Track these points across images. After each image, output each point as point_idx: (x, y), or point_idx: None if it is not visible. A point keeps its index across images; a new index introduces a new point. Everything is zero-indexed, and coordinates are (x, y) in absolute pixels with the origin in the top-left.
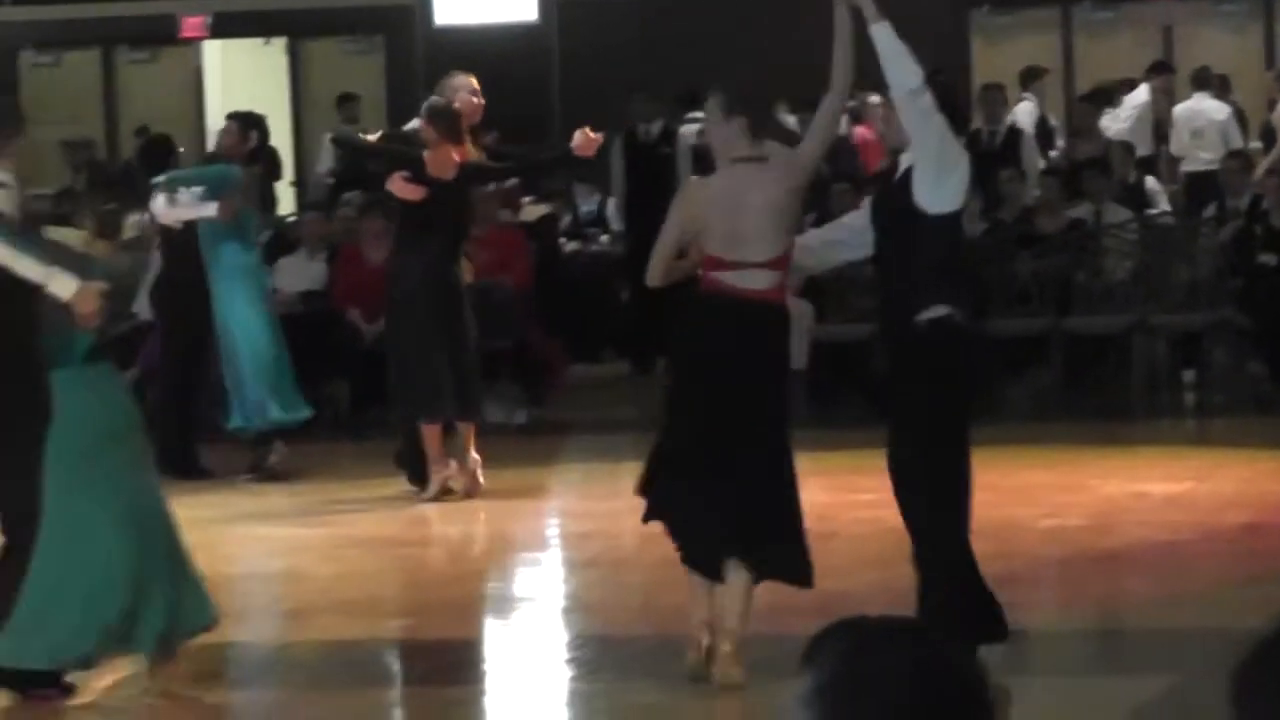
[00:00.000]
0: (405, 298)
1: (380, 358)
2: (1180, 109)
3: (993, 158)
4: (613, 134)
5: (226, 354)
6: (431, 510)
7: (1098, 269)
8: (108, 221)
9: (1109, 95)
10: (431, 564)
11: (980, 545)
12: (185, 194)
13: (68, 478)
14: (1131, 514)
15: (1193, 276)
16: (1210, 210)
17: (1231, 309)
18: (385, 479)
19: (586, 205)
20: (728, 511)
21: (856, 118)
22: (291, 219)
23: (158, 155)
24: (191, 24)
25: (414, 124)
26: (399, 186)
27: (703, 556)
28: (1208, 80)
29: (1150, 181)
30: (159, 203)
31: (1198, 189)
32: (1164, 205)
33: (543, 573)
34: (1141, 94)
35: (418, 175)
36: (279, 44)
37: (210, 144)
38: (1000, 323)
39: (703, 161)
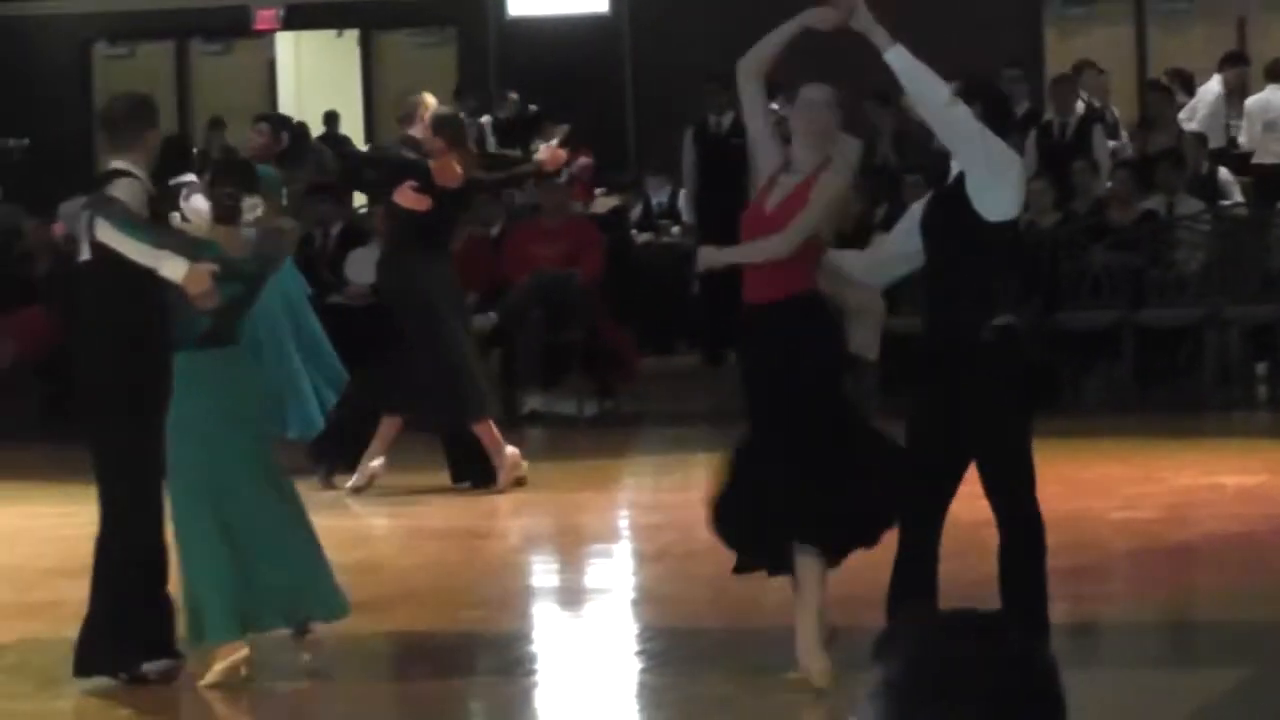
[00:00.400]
0: (428, 303)
1: None
2: (1253, 101)
3: (1064, 149)
4: (685, 125)
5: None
6: (504, 502)
7: (1170, 261)
8: (226, 206)
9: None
10: (503, 556)
11: (1053, 537)
12: None
13: (185, 461)
14: (1204, 507)
15: (1265, 268)
16: None
17: None
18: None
19: (658, 196)
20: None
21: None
22: (363, 211)
23: (174, 157)
24: (265, 16)
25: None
26: (408, 198)
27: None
28: None
29: (1223, 173)
30: (196, 203)
31: (1271, 182)
32: (1237, 197)
33: (613, 565)
34: (1214, 85)
35: (425, 185)
36: (351, 36)
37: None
38: (1072, 315)
39: None
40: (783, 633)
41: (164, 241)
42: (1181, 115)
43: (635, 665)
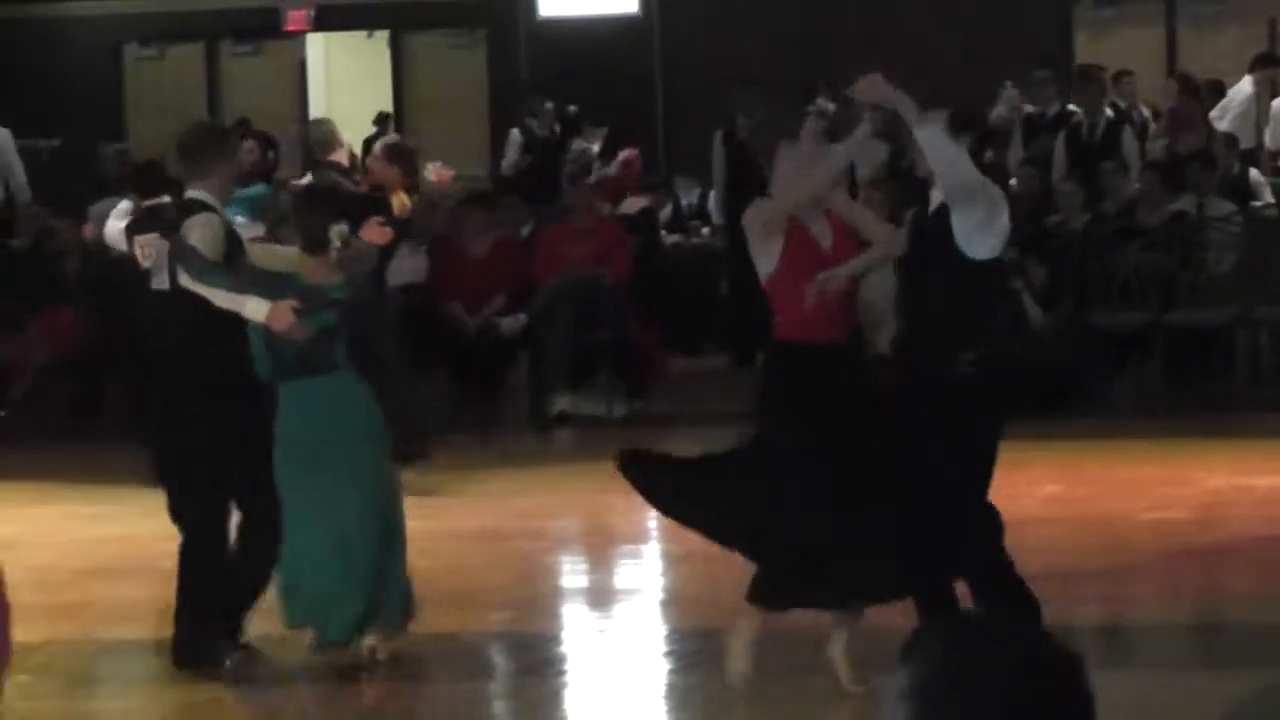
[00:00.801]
0: (379, 328)
1: (483, 351)
2: (1278, 103)
3: (1093, 150)
4: (714, 126)
5: None
6: (534, 503)
7: (1201, 262)
8: (315, 238)
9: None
10: (532, 557)
11: (1084, 538)
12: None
13: (290, 485)
14: (1236, 508)
15: None
16: None
17: None
18: (488, 471)
19: (687, 198)
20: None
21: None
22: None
23: (150, 181)
24: (295, 17)
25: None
26: (378, 234)
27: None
28: None
29: (1254, 174)
30: (111, 228)
31: None
32: (1268, 198)
33: (642, 566)
34: (1245, 86)
35: (389, 219)
36: (382, 37)
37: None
38: (1103, 317)
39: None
40: (809, 633)
41: (244, 283)
42: (1213, 114)
43: (663, 666)
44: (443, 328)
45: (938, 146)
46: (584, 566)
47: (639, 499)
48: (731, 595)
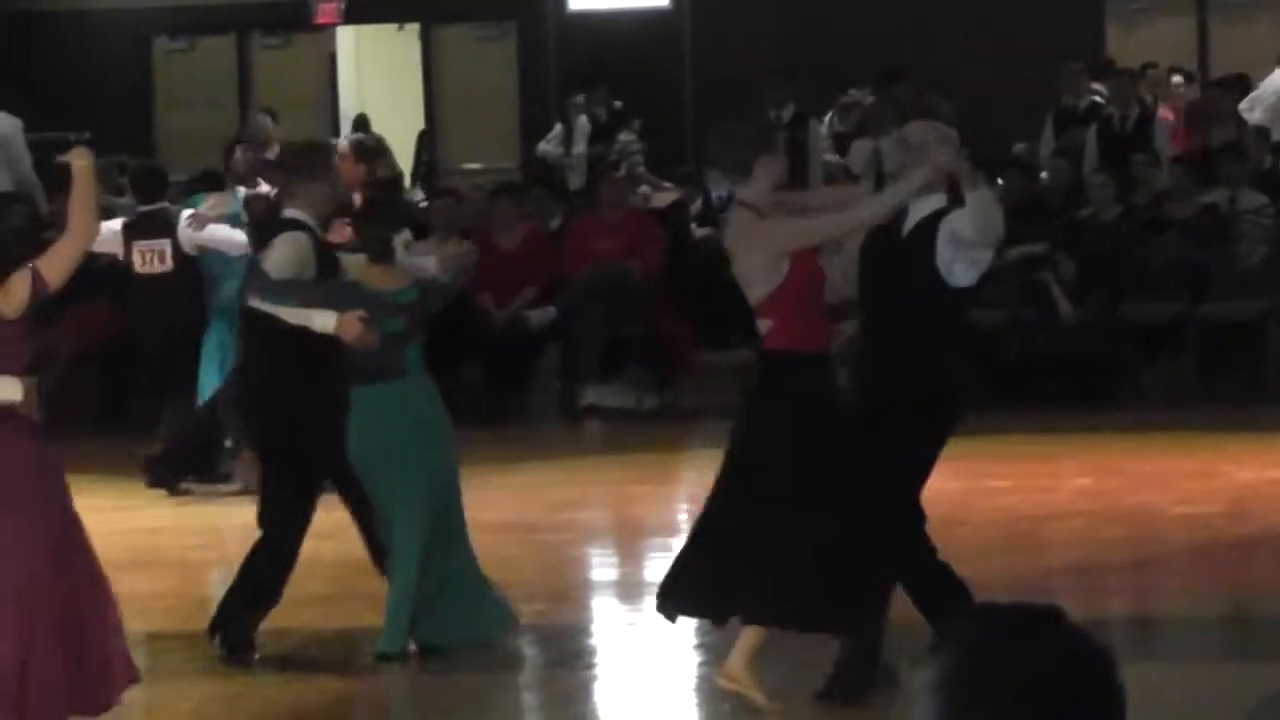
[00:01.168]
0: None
1: (513, 343)
2: None
3: (1125, 142)
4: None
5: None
6: (563, 495)
7: (1233, 255)
8: (379, 248)
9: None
10: (562, 549)
11: (1113, 532)
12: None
13: (372, 488)
14: (1266, 500)
15: None
16: None
17: None
18: (519, 464)
19: (718, 190)
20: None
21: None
22: (423, 205)
23: (150, 184)
24: (325, 10)
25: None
26: (345, 233)
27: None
28: None
29: None
30: (184, 227)
31: None
32: None
33: (670, 558)
34: (1277, 79)
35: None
36: (412, 30)
37: (343, 131)
38: (1134, 309)
39: (842, 144)
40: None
41: (311, 297)
42: (1241, 106)
43: (694, 659)
44: (472, 320)
45: (988, 206)
46: (613, 558)
47: (667, 490)
48: None
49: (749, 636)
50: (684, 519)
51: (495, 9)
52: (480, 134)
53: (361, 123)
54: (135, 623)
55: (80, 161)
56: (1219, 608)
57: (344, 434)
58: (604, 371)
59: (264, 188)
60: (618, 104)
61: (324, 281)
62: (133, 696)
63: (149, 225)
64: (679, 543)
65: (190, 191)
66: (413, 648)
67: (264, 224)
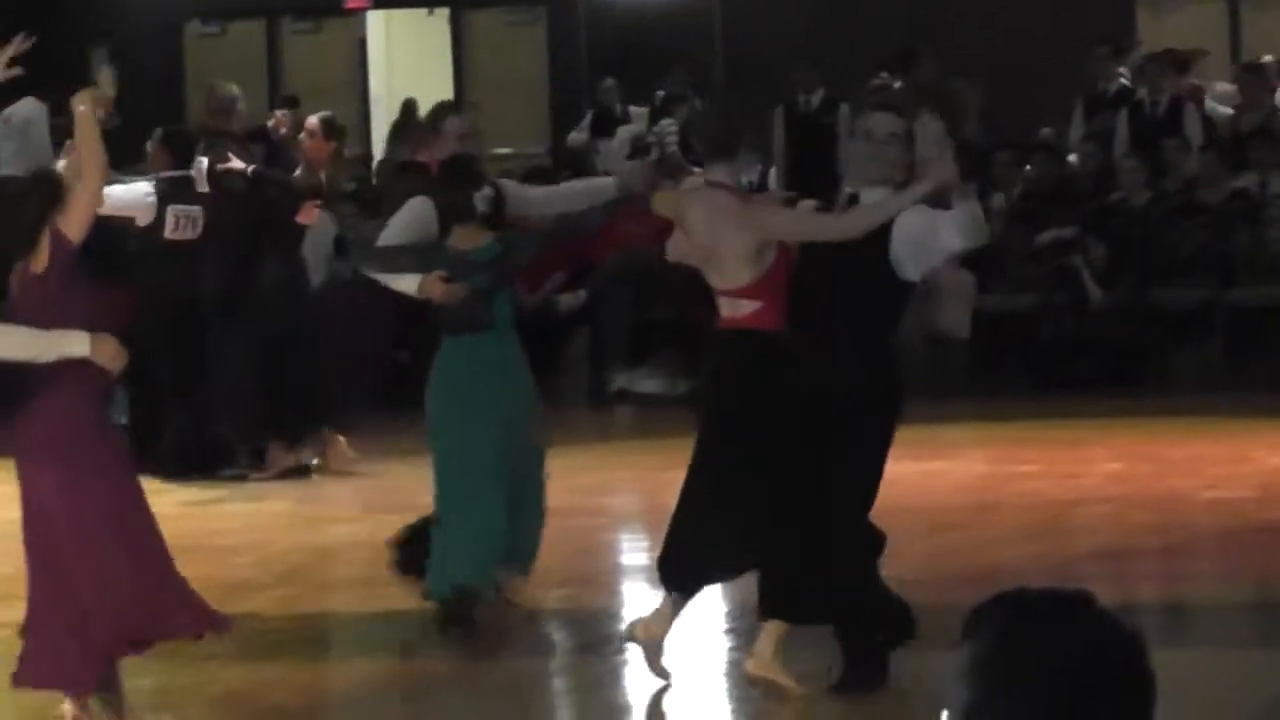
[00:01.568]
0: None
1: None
2: None
3: (1156, 127)
4: (775, 103)
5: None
6: (592, 481)
7: (1262, 240)
8: (461, 209)
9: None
10: (593, 534)
11: (1142, 517)
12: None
13: (439, 435)
14: None
15: None
16: None
17: None
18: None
19: (748, 175)
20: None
21: None
22: None
23: (184, 147)
24: None
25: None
26: (313, 215)
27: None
28: None
29: None
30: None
31: None
32: None
33: None
34: None
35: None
36: (442, 15)
37: (374, 116)
38: (1164, 293)
39: None
40: None
41: (398, 262)
42: None
43: (724, 644)
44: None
45: (977, 216)
46: (643, 543)
47: None
48: None
49: (776, 622)
50: None
51: None
52: (510, 119)
53: (409, 107)
54: None
55: (81, 106)
56: (1248, 593)
57: None
58: (634, 356)
59: (236, 163)
60: (660, 92)
61: (413, 245)
62: (163, 681)
63: (185, 190)
64: None
65: None
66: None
67: (385, 191)
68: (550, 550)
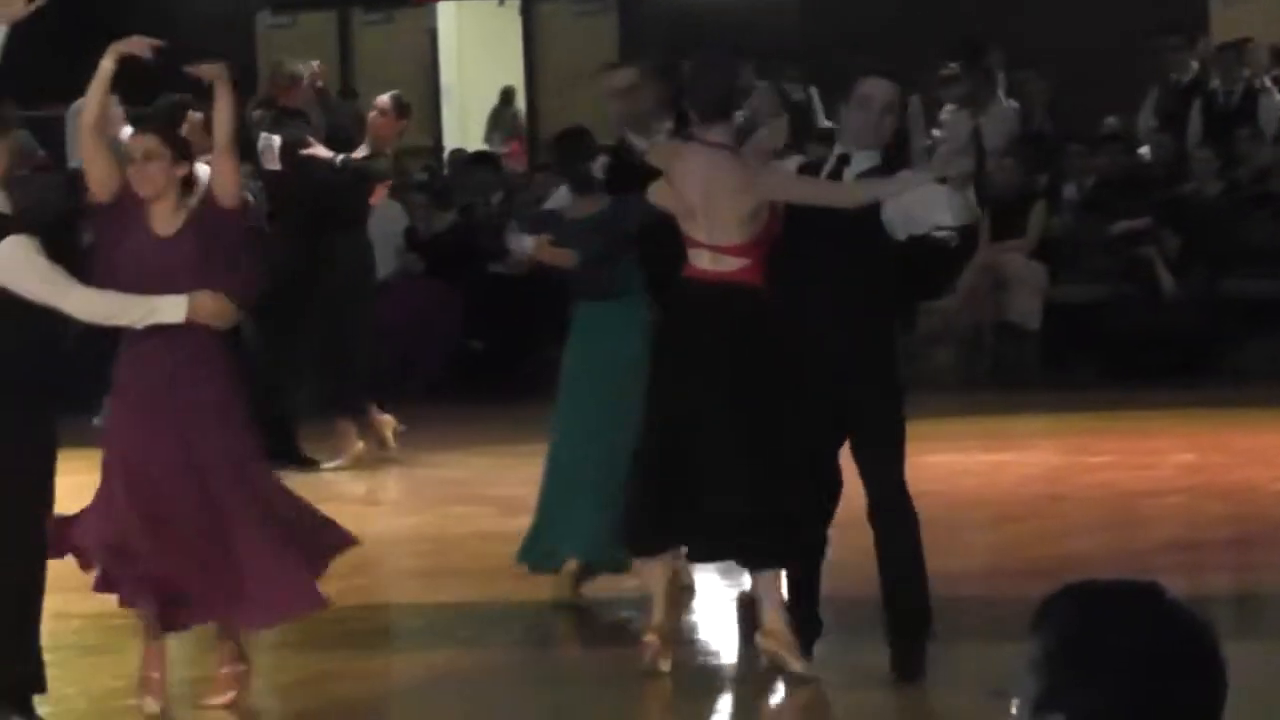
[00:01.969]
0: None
1: None
2: None
3: (1229, 117)
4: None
5: None
6: None
7: None
8: (580, 180)
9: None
10: None
11: (1214, 508)
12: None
13: (566, 399)
14: None
15: None
16: None
17: None
18: None
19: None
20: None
21: None
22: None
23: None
24: None
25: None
26: (381, 194)
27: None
28: None
29: None
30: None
31: None
32: None
33: None
34: None
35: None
36: (512, 5)
37: (444, 107)
38: (1236, 284)
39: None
40: (942, 603)
41: (523, 228)
42: None
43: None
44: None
45: (971, 206)
46: None
47: None
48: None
49: (766, 588)
50: None
51: None
52: (579, 109)
53: (508, 95)
54: None
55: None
56: None
57: None
58: None
59: (320, 150)
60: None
61: (533, 212)
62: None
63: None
64: None
65: None
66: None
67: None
68: None
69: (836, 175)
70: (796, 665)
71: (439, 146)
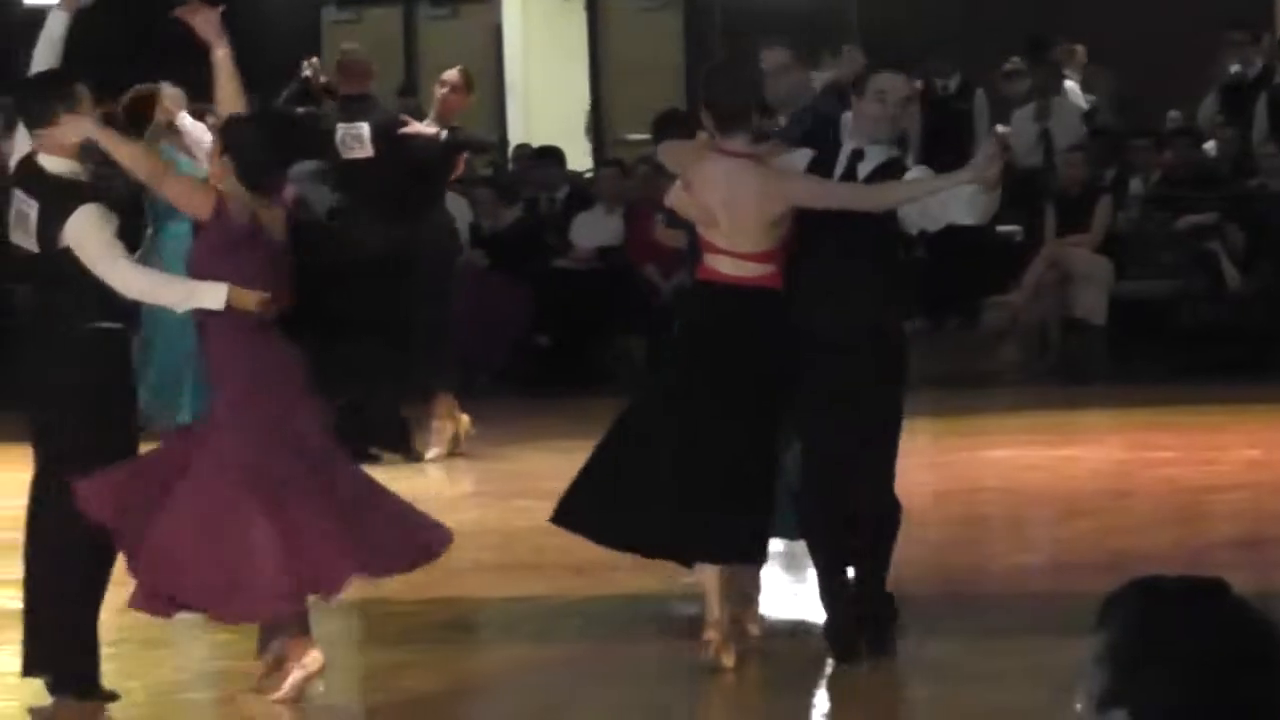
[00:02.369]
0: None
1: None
2: None
3: None
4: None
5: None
6: None
7: None
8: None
9: None
10: None
11: None
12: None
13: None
14: None
15: None
16: None
17: None
18: None
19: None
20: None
21: None
22: (588, 175)
23: (360, 70)
24: None
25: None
26: (462, 166)
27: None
28: None
29: None
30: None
31: None
32: None
33: None
34: None
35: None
36: (577, 1)
37: (509, 103)
38: None
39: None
40: (1007, 598)
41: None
42: None
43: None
44: (636, 291)
45: (989, 201)
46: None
47: None
48: (928, 557)
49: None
50: None
51: None
52: (646, 105)
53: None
54: None
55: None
56: None
57: None
58: None
59: (420, 127)
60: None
61: None
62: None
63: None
64: None
65: None
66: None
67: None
68: None
69: (850, 172)
70: (726, 660)
71: (504, 141)
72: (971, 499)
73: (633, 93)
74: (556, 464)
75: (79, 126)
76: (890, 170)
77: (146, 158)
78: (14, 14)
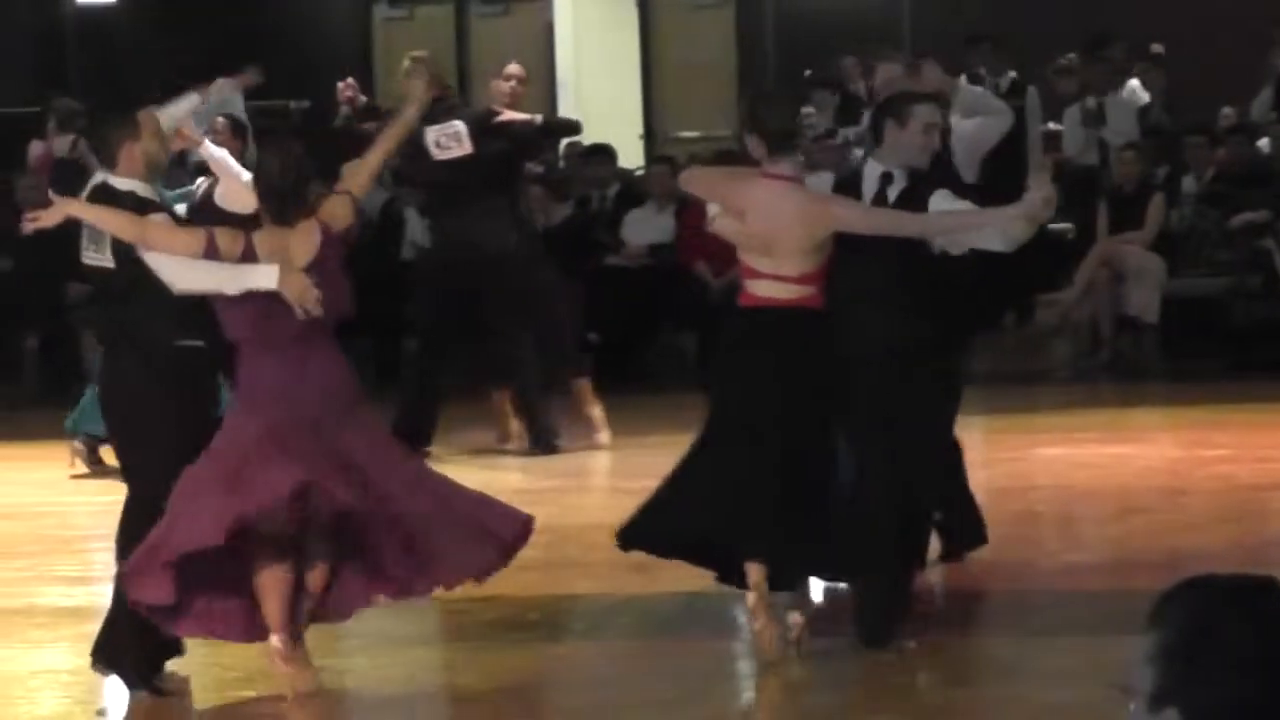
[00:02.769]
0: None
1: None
2: None
3: None
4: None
5: None
6: None
7: None
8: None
9: None
10: None
11: None
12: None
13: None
14: None
15: None
16: None
17: None
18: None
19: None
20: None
21: None
22: (639, 172)
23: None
24: None
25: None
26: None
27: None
28: None
29: None
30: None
31: None
32: None
33: None
34: None
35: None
36: None
37: (560, 101)
38: None
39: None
40: (1060, 596)
41: None
42: None
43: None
44: (688, 287)
45: (1025, 232)
46: None
47: None
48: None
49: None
50: None
51: None
52: (697, 102)
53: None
54: None
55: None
56: None
57: None
58: None
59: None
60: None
61: None
62: (344, 662)
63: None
64: None
65: None
66: None
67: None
68: None
69: (881, 195)
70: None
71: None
72: (1024, 497)
73: (684, 90)
74: (606, 461)
75: (66, 208)
76: (917, 190)
77: (131, 225)
78: (65, 13)
